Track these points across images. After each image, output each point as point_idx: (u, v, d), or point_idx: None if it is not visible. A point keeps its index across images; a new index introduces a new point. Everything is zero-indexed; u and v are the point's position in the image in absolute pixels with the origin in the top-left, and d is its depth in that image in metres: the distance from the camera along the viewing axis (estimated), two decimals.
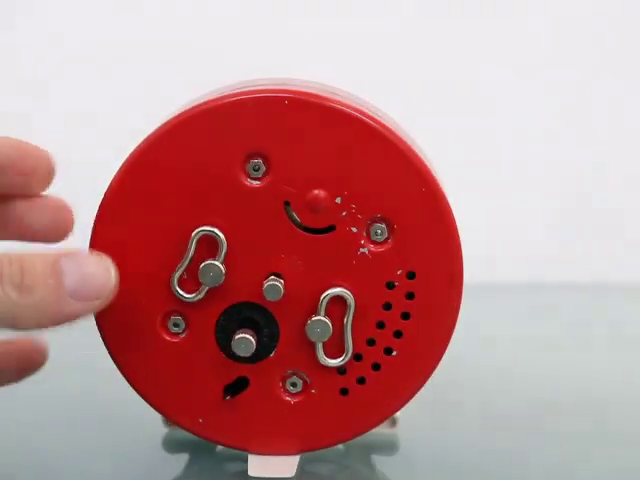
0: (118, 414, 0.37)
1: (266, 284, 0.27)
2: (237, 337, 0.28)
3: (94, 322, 0.29)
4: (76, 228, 0.35)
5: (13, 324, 0.26)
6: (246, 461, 0.31)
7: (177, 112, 0.28)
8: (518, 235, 0.76)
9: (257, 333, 0.28)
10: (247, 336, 0.28)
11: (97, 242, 0.28)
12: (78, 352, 0.46)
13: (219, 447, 0.33)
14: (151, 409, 0.36)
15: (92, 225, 0.28)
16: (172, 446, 0.34)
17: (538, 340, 0.53)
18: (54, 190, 0.34)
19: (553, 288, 0.70)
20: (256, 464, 0.29)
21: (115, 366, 0.29)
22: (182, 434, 0.34)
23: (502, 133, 0.76)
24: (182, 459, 0.33)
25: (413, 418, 0.33)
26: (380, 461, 0.33)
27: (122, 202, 0.28)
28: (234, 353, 0.28)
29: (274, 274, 0.28)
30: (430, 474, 0.31)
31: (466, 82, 0.74)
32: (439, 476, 0.31)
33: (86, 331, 0.50)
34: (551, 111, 0.76)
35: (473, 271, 0.29)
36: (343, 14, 0.73)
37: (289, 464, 0.29)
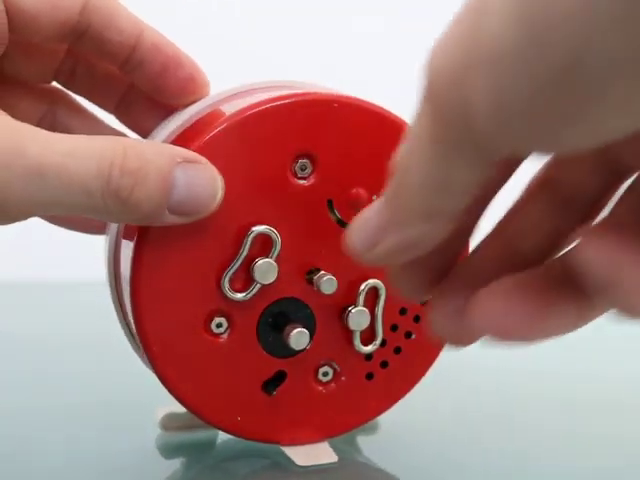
0: (113, 420, 0.36)
1: (322, 279, 0.29)
2: (294, 332, 0.28)
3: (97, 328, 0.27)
4: None
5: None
6: (243, 459, 0.31)
7: (220, 113, 0.28)
8: None
9: (303, 326, 0.29)
10: (303, 329, 0.29)
11: (144, 239, 0.27)
12: (75, 357, 0.45)
13: (215, 449, 0.34)
14: (145, 415, 0.35)
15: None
16: (168, 450, 0.33)
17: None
18: None
19: None
20: (300, 454, 0.30)
21: (151, 370, 0.28)
22: (177, 438, 0.34)
23: None
24: (179, 463, 0.33)
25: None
26: (363, 441, 0.35)
27: None
28: (274, 349, 0.29)
29: (314, 269, 0.29)
30: (411, 452, 0.34)
31: None
32: (419, 454, 0.34)
33: (83, 337, 0.46)
34: None
35: None
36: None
37: (327, 449, 0.31)
